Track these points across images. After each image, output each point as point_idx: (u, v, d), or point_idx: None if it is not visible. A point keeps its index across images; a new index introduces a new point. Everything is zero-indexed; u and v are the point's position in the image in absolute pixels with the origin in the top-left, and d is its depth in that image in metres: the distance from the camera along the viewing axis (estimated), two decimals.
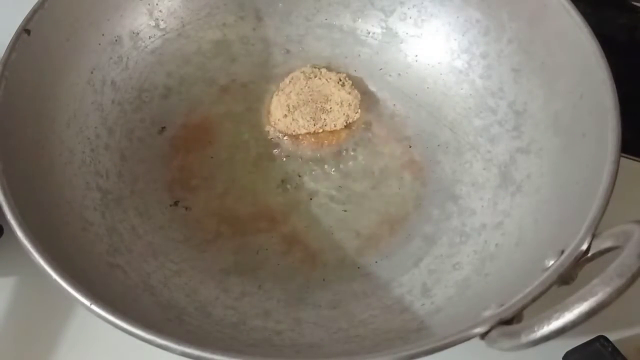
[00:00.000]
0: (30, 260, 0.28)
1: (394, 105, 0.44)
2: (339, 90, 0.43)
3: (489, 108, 0.41)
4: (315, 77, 0.44)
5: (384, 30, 0.46)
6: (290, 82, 0.44)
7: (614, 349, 0.33)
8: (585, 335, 0.34)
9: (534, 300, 0.27)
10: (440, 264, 0.36)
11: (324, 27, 0.47)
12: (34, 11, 0.36)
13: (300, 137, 0.42)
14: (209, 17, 0.46)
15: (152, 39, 0.44)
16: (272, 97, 0.44)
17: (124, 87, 0.42)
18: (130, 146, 0.41)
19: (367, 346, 0.32)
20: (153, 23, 0.44)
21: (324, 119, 0.42)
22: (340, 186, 0.40)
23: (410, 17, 0.45)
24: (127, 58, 0.42)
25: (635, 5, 0.52)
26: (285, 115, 0.42)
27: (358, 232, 0.38)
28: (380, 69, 0.45)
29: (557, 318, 0.23)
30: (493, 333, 0.26)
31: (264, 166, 0.41)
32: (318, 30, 0.47)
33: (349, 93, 0.43)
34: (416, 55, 0.45)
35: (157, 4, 0.44)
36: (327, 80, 0.44)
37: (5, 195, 0.30)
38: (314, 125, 0.42)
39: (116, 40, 0.41)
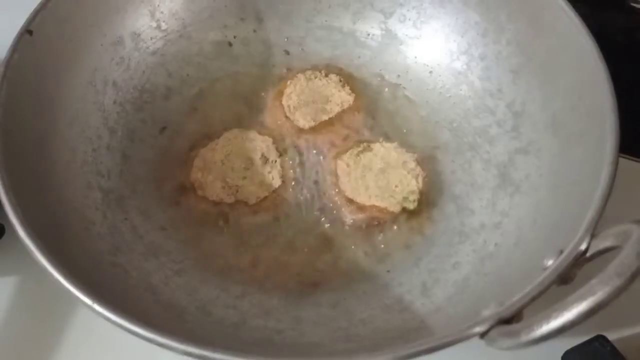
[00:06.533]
0: (32, 260, 0.28)
1: (394, 106, 0.44)
2: (339, 91, 0.44)
3: (487, 109, 0.42)
4: (316, 78, 0.44)
5: (384, 32, 0.46)
6: (290, 83, 0.44)
7: (613, 348, 0.33)
8: (584, 335, 0.34)
9: (533, 299, 0.27)
10: (439, 264, 0.37)
11: (324, 28, 0.47)
12: (36, 12, 0.36)
13: (301, 135, 0.42)
14: (210, 18, 0.46)
15: (153, 40, 0.44)
16: (272, 98, 0.44)
17: (125, 88, 0.42)
18: (132, 146, 0.41)
19: (367, 345, 0.32)
20: (155, 24, 0.44)
21: (325, 120, 0.43)
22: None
23: (409, 19, 0.45)
24: (129, 59, 0.42)
25: (634, 7, 0.52)
26: (286, 116, 0.43)
27: (358, 231, 0.39)
28: (380, 70, 0.45)
29: (557, 317, 0.23)
30: (492, 332, 0.26)
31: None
32: (318, 31, 0.47)
33: (349, 94, 0.43)
34: (415, 57, 0.45)
35: (158, 6, 0.44)
36: (327, 81, 0.44)
37: (7, 194, 0.30)
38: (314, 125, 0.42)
39: (118, 41, 0.42)
